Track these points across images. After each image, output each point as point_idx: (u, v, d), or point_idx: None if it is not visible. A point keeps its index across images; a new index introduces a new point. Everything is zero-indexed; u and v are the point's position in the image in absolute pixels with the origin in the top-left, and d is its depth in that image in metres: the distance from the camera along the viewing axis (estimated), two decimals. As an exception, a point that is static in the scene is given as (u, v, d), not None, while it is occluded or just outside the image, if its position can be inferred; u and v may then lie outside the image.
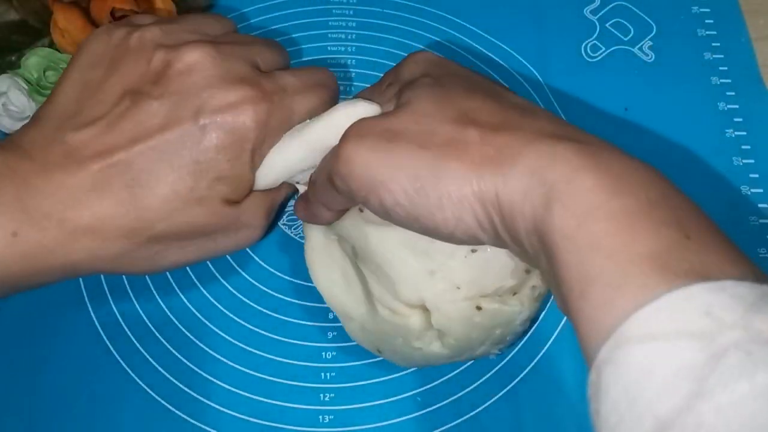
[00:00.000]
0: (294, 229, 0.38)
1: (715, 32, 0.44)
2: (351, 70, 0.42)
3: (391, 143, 0.25)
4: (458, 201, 0.24)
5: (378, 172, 0.25)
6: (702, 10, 0.45)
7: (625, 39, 0.44)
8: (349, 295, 0.32)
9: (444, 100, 0.26)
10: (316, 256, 0.33)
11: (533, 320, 0.31)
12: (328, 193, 0.28)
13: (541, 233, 0.22)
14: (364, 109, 0.28)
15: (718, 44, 0.44)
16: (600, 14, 0.45)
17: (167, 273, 0.36)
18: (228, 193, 0.29)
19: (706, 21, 0.44)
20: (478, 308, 0.28)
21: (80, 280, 0.36)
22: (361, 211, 0.30)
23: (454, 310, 0.28)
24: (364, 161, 0.25)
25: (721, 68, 0.43)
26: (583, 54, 0.43)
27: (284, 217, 0.38)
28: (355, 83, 0.42)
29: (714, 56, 0.43)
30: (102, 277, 0.36)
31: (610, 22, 0.45)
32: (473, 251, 0.28)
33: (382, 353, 0.32)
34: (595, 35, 0.44)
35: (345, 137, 0.26)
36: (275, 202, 0.32)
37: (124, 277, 0.36)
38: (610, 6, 0.45)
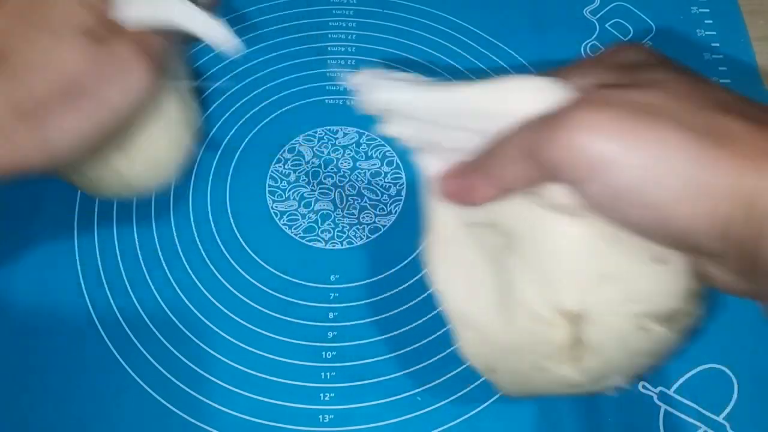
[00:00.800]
0: (294, 228, 0.38)
1: (714, 32, 0.44)
2: (351, 70, 0.42)
3: (650, 116, 0.22)
4: (716, 194, 0.21)
5: (621, 146, 0.22)
6: (701, 10, 0.45)
7: (625, 39, 0.44)
8: (475, 298, 0.27)
9: (696, 86, 0.23)
10: (441, 248, 0.28)
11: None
12: (517, 167, 0.24)
13: None
14: (550, 86, 0.24)
15: (718, 44, 0.44)
16: (600, 14, 0.45)
17: (167, 272, 0.36)
18: (90, 29, 0.28)
19: (706, 21, 0.45)
20: (641, 329, 0.25)
21: (80, 278, 0.36)
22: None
23: (616, 324, 0.24)
24: (609, 131, 0.22)
25: (720, 68, 0.43)
26: (583, 54, 0.43)
27: (285, 217, 0.38)
28: (355, 83, 0.42)
29: (713, 56, 0.43)
30: (102, 275, 0.36)
31: (610, 23, 0.45)
32: (658, 262, 0.24)
33: (495, 373, 0.28)
34: (595, 35, 0.44)
35: (578, 102, 0.23)
36: (154, 42, 0.30)
37: (124, 275, 0.36)
38: (610, 6, 0.45)
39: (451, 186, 0.27)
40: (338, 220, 0.38)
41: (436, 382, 0.34)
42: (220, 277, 0.36)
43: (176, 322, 0.35)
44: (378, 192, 0.39)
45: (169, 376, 0.34)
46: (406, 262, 0.37)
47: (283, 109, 0.41)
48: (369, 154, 0.40)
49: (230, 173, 0.39)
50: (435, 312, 0.35)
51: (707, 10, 0.45)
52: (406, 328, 0.35)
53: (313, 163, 0.40)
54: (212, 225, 0.38)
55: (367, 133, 0.40)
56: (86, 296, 0.36)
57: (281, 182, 0.39)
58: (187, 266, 0.36)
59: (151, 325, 0.35)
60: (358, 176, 0.39)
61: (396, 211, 0.38)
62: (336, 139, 0.40)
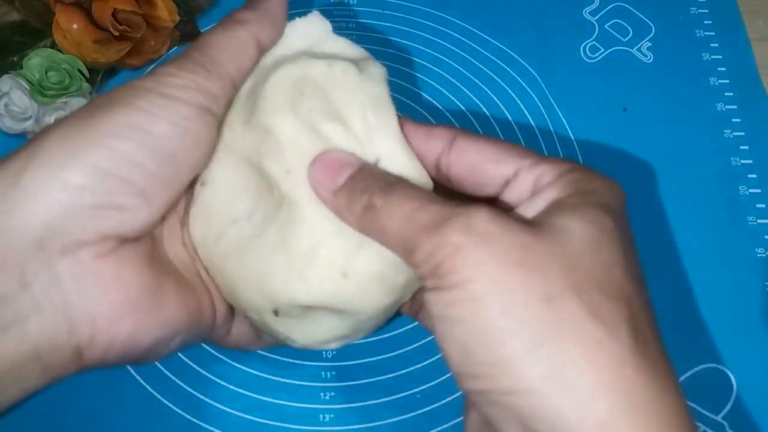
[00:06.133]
0: (294, 228, 0.38)
1: (713, 33, 0.44)
2: (351, 70, 0.43)
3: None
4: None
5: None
6: (701, 11, 0.45)
7: (624, 40, 0.44)
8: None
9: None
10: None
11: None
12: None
13: None
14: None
15: (717, 45, 0.44)
16: (599, 15, 0.45)
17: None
18: None
19: (705, 22, 0.45)
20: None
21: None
22: None
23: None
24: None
25: (719, 69, 0.43)
26: (582, 55, 0.44)
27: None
28: (355, 84, 0.42)
29: (712, 57, 0.43)
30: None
31: (609, 23, 0.45)
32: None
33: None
34: (594, 36, 0.44)
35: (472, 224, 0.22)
36: None
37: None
38: (609, 7, 0.45)
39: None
40: (338, 220, 0.38)
41: (436, 381, 0.34)
42: (220, 276, 0.36)
43: (177, 321, 0.35)
44: (378, 192, 0.39)
45: (170, 375, 0.34)
46: (406, 262, 0.37)
47: (284, 110, 0.41)
48: (369, 154, 0.40)
49: (231, 173, 0.39)
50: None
51: (706, 11, 0.45)
52: (406, 327, 0.35)
53: (313, 163, 0.40)
54: (213, 225, 0.38)
55: (367, 133, 0.41)
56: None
57: (281, 182, 0.39)
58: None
59: (152, 325, 0.35)
60: (358, 176, 0.39)
61: (396, 211, 0.38)
62: (336, 139, 0.40)
